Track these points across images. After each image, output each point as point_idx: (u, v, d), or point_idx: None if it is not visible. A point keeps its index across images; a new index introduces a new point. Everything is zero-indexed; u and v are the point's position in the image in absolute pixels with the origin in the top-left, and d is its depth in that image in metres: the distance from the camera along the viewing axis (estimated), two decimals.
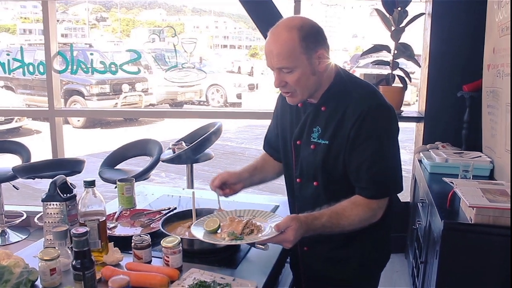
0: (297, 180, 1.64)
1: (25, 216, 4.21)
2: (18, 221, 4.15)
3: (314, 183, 1.57)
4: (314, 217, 1.42)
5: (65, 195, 1.64)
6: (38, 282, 1.39)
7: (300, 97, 1.51)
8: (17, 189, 4.03)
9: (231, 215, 1.57)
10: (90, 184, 1.51)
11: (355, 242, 1.59)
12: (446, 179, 2.31)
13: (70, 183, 1.71)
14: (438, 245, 2.04)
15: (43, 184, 5.08)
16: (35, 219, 4.14)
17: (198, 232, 1.47)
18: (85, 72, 4.11)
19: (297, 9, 3.61)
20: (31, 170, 3.65)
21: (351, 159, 1.48)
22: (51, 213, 1.62)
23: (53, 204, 1.62)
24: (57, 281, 1.38)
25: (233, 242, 1.41)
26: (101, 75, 8.19)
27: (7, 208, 4.19)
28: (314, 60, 1.45)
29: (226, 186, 1.73)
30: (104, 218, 1.54)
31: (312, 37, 1.44)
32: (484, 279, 1.98)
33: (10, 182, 3.87)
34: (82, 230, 1.27)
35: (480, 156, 2.77)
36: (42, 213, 4.21)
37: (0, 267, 1.28)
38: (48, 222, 1.63)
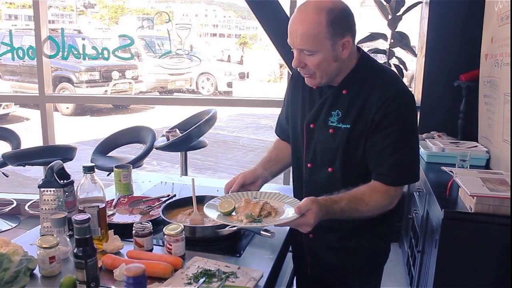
0: (308, 165, 1.58)
1: (15, 204, 4.13)
2: (8, 209, 4.08)
3: (329, 168, 1.51)
4: (333, 201, 1.37)
5: (62, 181, 1.59)
6: (36, 271, 1.35)
7: (319, 80, 1.45)
8: (7, 176, 3.95)
9: (245, 196, 1.50)
10: (89, 169, 1.47)
11: (365, 231, 1.56)
12: (445, 168, 2.30)
13: None
14: (437, 234, 2.04)
15: (33, 172, 5.01)
16: (26, 207, 4.07)
17: (212, 214, 1.41)
18: (76, 58, 4.01)
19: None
20: (22, 157, 3.58)
21: (373, 144, 1.44)
22: (47, 200, 1.57)
23: (50, 191, 1.56)
24: (57, 269, 1.35)
25: (253, 225, 1.35)
26: (91, 61, 8.06)
27: None
28: (339, 47, 1.39)
29: (245, 188, 1.62)
30: (104, 205, 1.50)
31: (340, 22, 1.38)
32: (484, 268, 1.98)
33: (0, 169, 3.79)
34: (84, 216, 1.23)
35: (476, 146, 2.78)
36: (32, 200, 4.14)
37: None
38: (45, 209, 1.57)
